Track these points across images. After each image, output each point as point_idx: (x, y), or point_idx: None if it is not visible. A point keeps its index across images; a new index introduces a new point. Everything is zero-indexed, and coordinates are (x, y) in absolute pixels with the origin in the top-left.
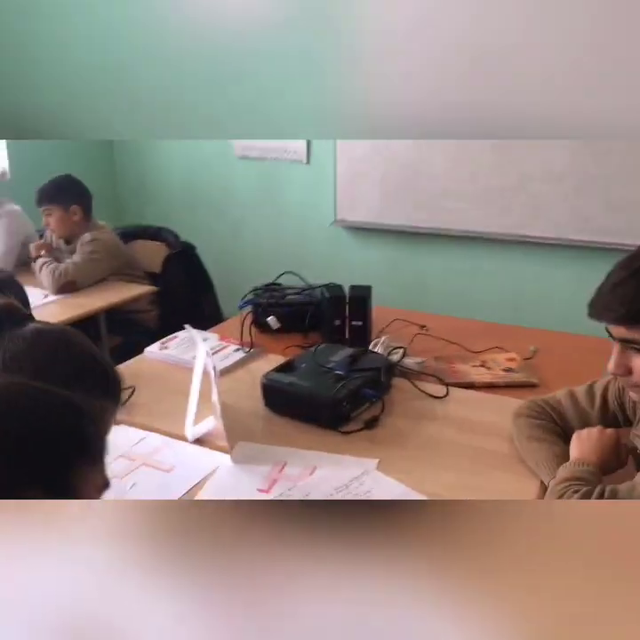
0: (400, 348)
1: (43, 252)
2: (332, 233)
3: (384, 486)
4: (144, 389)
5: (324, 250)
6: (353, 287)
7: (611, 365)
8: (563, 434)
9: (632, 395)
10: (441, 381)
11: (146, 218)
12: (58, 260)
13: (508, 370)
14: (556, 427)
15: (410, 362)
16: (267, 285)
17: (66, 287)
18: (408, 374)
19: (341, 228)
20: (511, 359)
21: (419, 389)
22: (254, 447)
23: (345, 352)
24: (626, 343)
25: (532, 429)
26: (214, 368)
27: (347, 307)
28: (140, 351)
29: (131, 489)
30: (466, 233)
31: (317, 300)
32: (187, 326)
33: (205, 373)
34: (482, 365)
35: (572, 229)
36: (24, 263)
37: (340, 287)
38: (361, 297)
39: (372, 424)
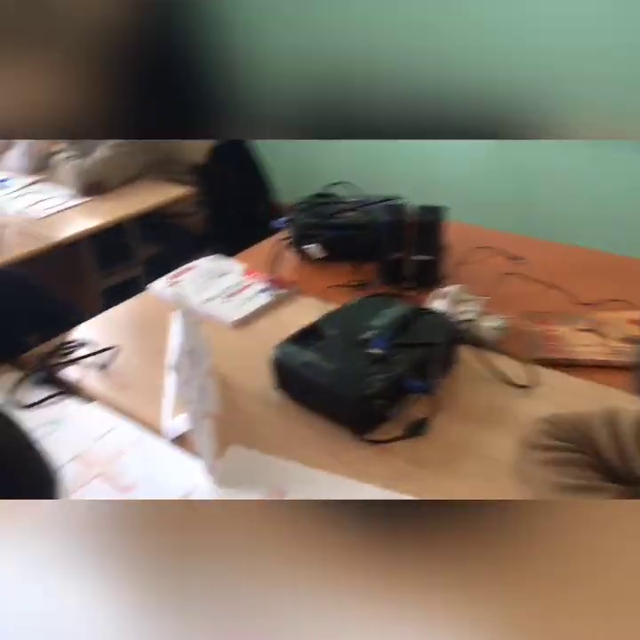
0: (470, 302)
1: (63, 145)
2: None
3: None
4: (134, 347)
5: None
6: (422, 208)
7: None
8: (600, 469)
9: None
10: (523, 360)
11: None
12: (83, 153)
13: (634, 340)
14: (588, 459)
15: (487, 325)
16: (316, 196)
17: (92, 188)
18: (482, 344)
19: None
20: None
21: (494, 372)
22: (249, 459)
23: (392, 312)
24: None
25: (559, 472)
26: (192, 338)
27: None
28: (182, 262)
29: None
30: None
31: (375, 221)
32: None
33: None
34: (592, 330)
35: None
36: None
37: (400, 207)
38: (430, 222)
39: (415, 431)
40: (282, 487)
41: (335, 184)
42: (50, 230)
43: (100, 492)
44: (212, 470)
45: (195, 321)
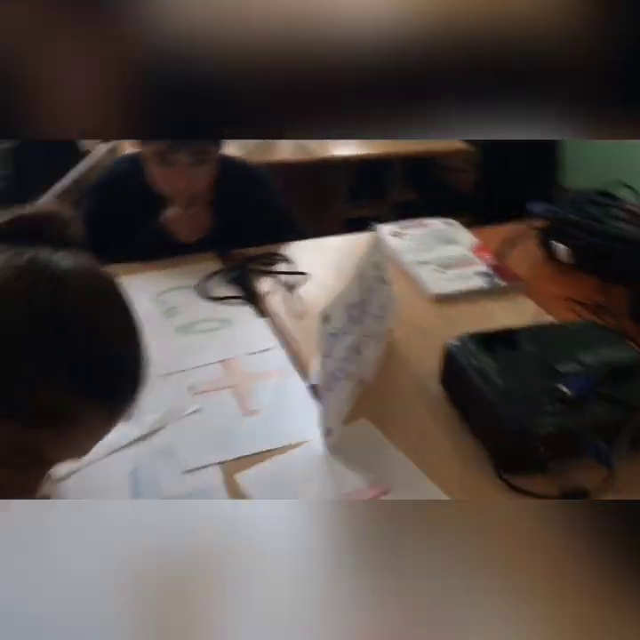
0: None
1: None
2: None
3: None
4: (328, 282)
5: None
6: None
7: None
8: None
9: None
10: None
11: None
12: None
13: None
14: None
15: None
16: (594, 192)
17: None
18: None
19: None
20: None
21: None
22: (372, 439)
23: (612, 353)
24: None
25: None
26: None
27: None
28: (436, 214)
29: (188, 415)
30: None
31: None
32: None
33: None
34: None
35: None
36: None
37: None
38: None
39: (574, 497)
40: (387, 484)
41: (623, 185)
42: (319, 146)
43: (224, 404)
44: (328, 433)
45: (379, 276)
